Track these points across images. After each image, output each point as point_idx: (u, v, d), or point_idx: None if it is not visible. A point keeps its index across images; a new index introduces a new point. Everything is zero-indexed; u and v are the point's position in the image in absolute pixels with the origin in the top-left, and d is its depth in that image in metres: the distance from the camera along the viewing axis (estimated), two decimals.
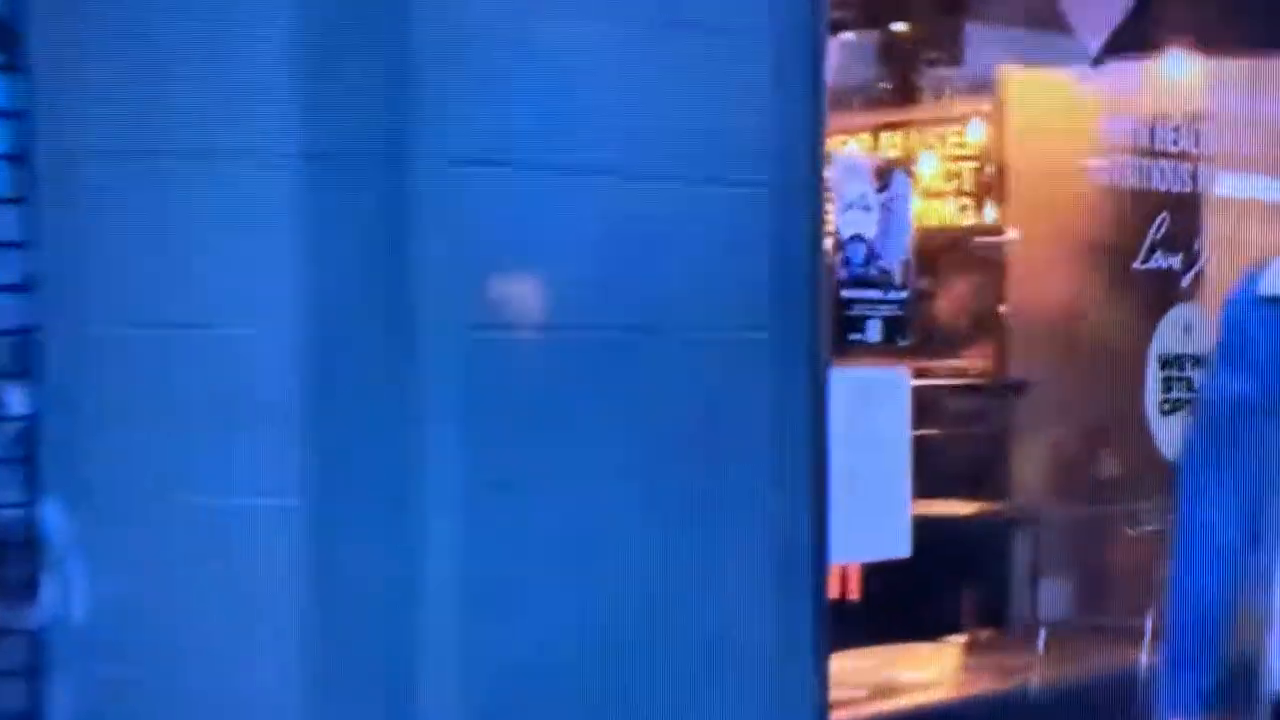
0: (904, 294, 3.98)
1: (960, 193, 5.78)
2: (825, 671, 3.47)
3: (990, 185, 5.60)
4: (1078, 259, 5.09)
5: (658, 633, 3.23)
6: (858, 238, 3.90)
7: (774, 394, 3.33)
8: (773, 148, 3.37)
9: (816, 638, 3.44)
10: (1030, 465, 5.36)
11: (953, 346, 5.61)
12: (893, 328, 3.96)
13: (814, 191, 3.42)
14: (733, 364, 3.36)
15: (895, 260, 3.91)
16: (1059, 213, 5.16)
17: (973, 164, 5.79)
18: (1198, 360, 4.41)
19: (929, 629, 4.74)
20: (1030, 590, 5.27)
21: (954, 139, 5.84)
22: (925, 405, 4.99)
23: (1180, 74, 4.86)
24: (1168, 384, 4.34)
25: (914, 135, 5.93)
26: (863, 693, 4.02)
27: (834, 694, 3.65)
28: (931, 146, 6.04)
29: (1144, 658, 4.29)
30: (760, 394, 3.36)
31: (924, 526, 4.20)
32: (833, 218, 3.83)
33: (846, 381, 3.55)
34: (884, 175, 3.95)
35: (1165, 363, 4.34)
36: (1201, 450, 2.47)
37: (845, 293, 3.88)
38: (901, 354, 4.00)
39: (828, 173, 3.59)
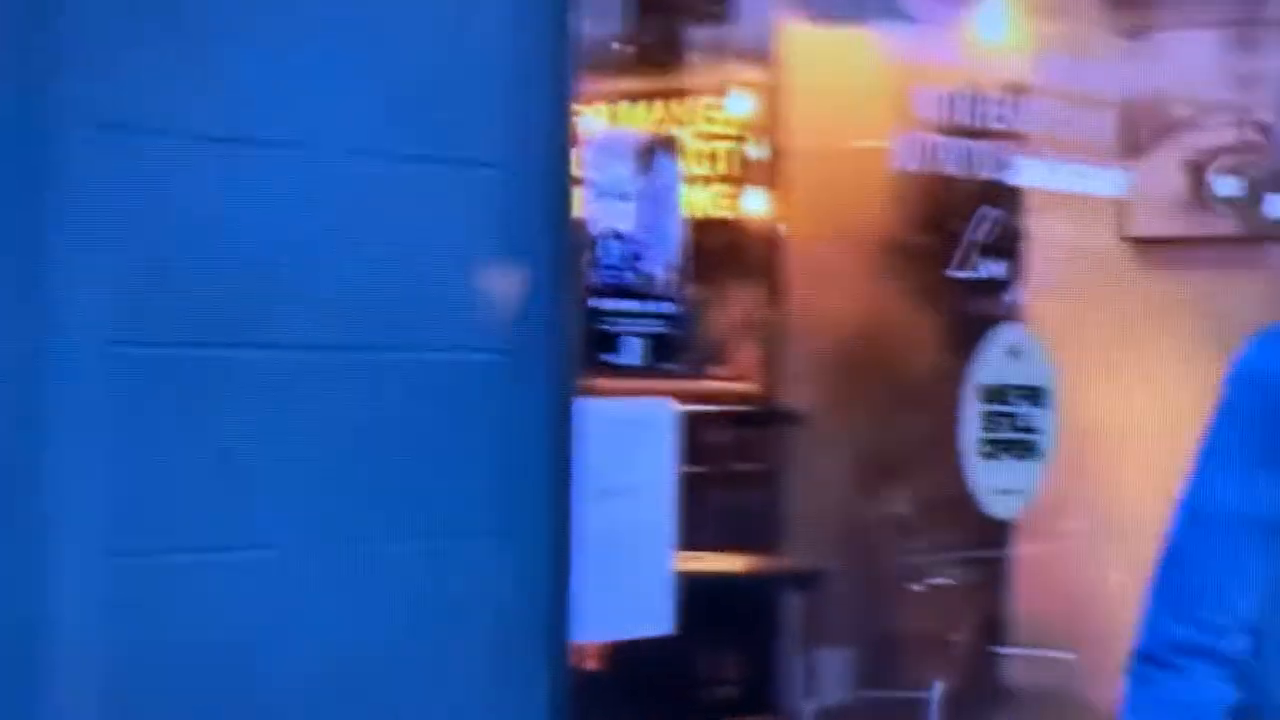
0: (670, 306, 3.62)
1: (721, 178, 5.37)
2: None
3: (762, 170, 5.20)
4: (874, 262, 4.75)
5: None
6: (613, 234, 3.54)
7: (505, 431, 3.02)
8: (506, 120, 3.08)
9: None
10: (808, 513, 5.07)
11: (712, 366, 5.27)
12: (656, 347, 3.60)
13: (558, 175, 3.07)
14: (448, 393, 3.05)
15: (660, 263, 3.58)
16: (850, 204, 4.80)
17: (735, 143, 5.34)
18: (1031, 394, 4.09)
19: (688, 711, 4.46)
20: (806, 662, 5.00)
21: (714, 112, 5.39)
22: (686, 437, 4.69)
23: (1001, 36, 4.49)
24: (990, 421, 4.03)
25: (674, 107, 5.47)
26: None
27: None
28: (688, 121, 5.49)
29: None
30: (487, 431, 3.06)
31: (682, 586, 3.92)
32: (583, 209, 3.46)
33: (597, 415, 3.22)
34: (647, 156, 3.60)
35: (988, 395, 4.01)
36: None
37: (597, 303, 3.52)
38: (666, 378, 3.65)
39: (577, 152, 3.25)
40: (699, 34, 5.34)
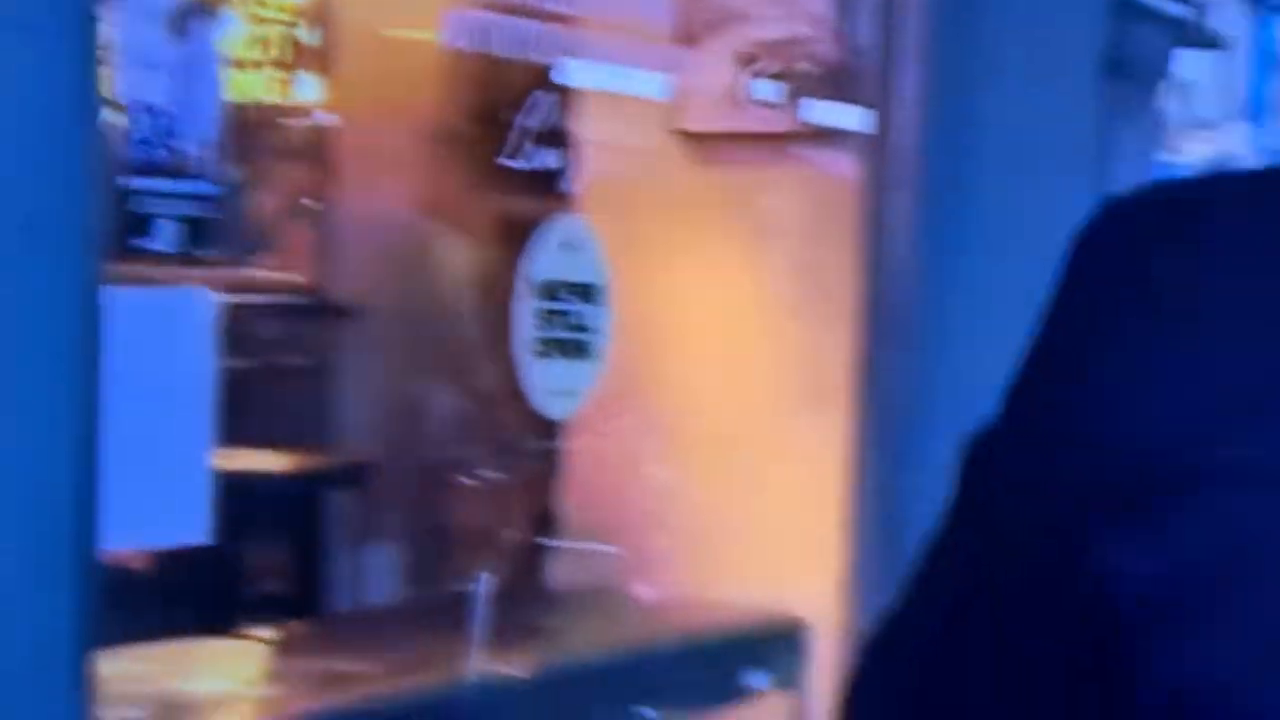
0: (206, 186, 3.18)
1: (272, 63, 5.00)
2: (92, 690, 2.78)
3: (314, 55, 4.84)
4: (427, 150, 4.42)
5: None
6: (145, 106, 3.09)
7: (22, 323, 2.60)
8: None
9: (79, 647, 2.75)
10: (357, 408, 4.73)
11: (259, 256, 4.87)
12: (192, 231, 3.17)
13: (80, 35, 2.64)
14: None
15: (195, 140, 3.15)
16: (403, 92, 4.49)
17: (286, 28, 4.96)
18: (585, 291, 3.77)
19: (231, 614, 4.07)
20: (353, 560, 4.65)
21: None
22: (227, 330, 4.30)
23: None
24: (544, 319, 3.70)
25: None
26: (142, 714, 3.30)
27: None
28: (239, 3, 5.09)
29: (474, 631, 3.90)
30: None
31: (225, 486, 3.54)
32: (114, 75, 3.00)
33: (126, 305, 2.78)
34: (181, 22, 3.15)
35: (541, 291, 3.68)
36: None
37: (126, 181, 3.07)
38: (205, 265, 3.22)
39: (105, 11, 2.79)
40: None
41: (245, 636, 3.98)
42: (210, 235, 3.17)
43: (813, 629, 4.50)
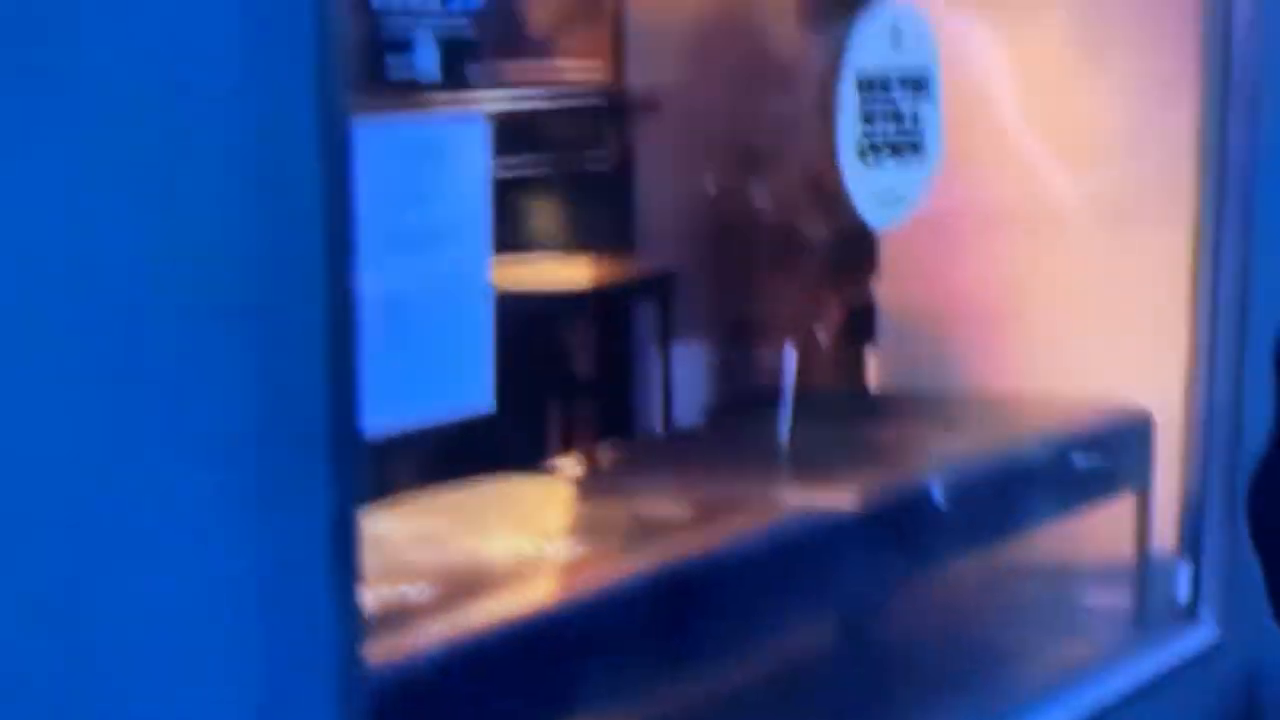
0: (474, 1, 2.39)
1: None
2: (351, 595, 2.05)
3: None
4: None
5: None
6: None
7: (250, 174, 1.80)
8: None
9: (337, 555, 2.03)
10: (659, 211, 4.04)
11: (552, 50, 4.24)
12: (455, 51, 2.37)
13: None
14: (173, 130, 1.81)
15: None
16: None
17: None
18: (915, 84, 3.29)
19: (539, 444, 3.38)
20: (663, 367, 3.98)
21: None
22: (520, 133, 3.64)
23: None
24: (869, 117, 2.91)
25: None
26: (427, 591, 2.57)
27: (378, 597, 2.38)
28: None
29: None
30: (223, 175, 1.85)
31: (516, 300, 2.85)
32: None
33: (385, 143, 2.06)
34: None
35: (866, 85, 2.89)
36: None
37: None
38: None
39: None
40: None
41: (549, 470, 3.24)
42: (474, 53, 2.37)
43: (1158, 424, 3.88)
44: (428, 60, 2.27)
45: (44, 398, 1.69)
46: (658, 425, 4.08)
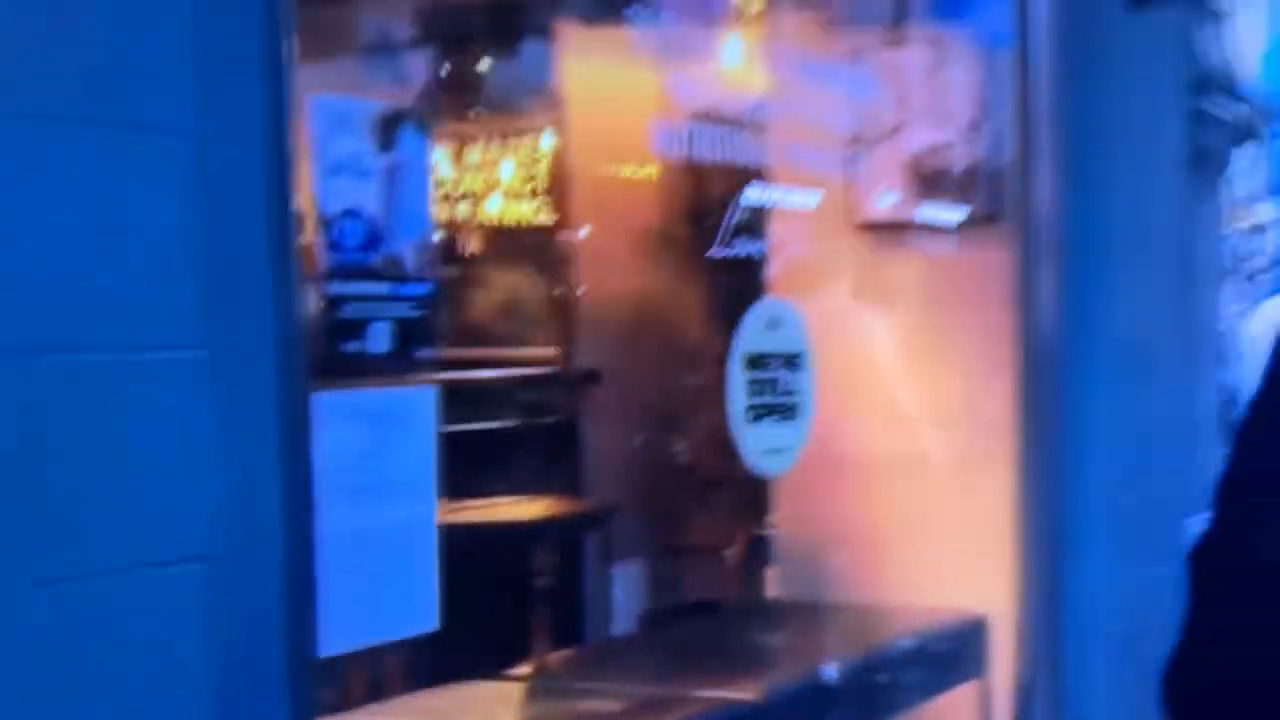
0: (423, 288, 2.20)
1: (531, 193, 4.27)
2: None
3: (558, 183, 4.09)
4: (651, 250, 3.54)
5: None
6: (351, 213, 2.11)
7: (218, 439, 1.53)
8: (195, 74, 1.55)
9: None
10: (599, 458, 3.88)
11: (522, 338, 4.10)
12: (408, 332, 2.17)
13: (273, 144, 1.65)
14: (145, 400, 1.65)
15: (409, 243, 2.16)
16: (627, 207, 3.63)
17: (540, 166, 4.29)
18: (791, 361, 2.75)
19: (495, 658, 3.09)
20: (604, 584, 3.73)
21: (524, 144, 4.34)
22: (491, 398, 3.45)
23: (742, 57, 3.52)
24: (755, 387, 2.71)
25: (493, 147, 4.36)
26: None
27: None
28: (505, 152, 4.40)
29: None
30: (194, 440, 1.53)
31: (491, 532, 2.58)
32: (310, 184, 2.02)
33: (341, 410, 1.82)
34: (389, 129, 2.15)
35: (751, 363, 2.69)
36: None
37: (336, 288, 2.07)
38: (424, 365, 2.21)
39: (302, 121, 1.83)
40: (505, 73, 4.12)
41: (506, 677, 2.94)
42: (428, 335, 2.17)
43: (992, 625, 3.65)
44: (381, 340, 2.09)
45: None
46: (603, 632, 3.83)
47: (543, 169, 4.46)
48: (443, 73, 4.59)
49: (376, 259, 2.09)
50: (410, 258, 2.11)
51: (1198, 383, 4.58)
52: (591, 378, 3.96)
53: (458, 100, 4.81)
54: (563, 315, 4.12)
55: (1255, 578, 1.04)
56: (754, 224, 3.31)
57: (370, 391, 2.07)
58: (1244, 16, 5.99)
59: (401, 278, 2.09)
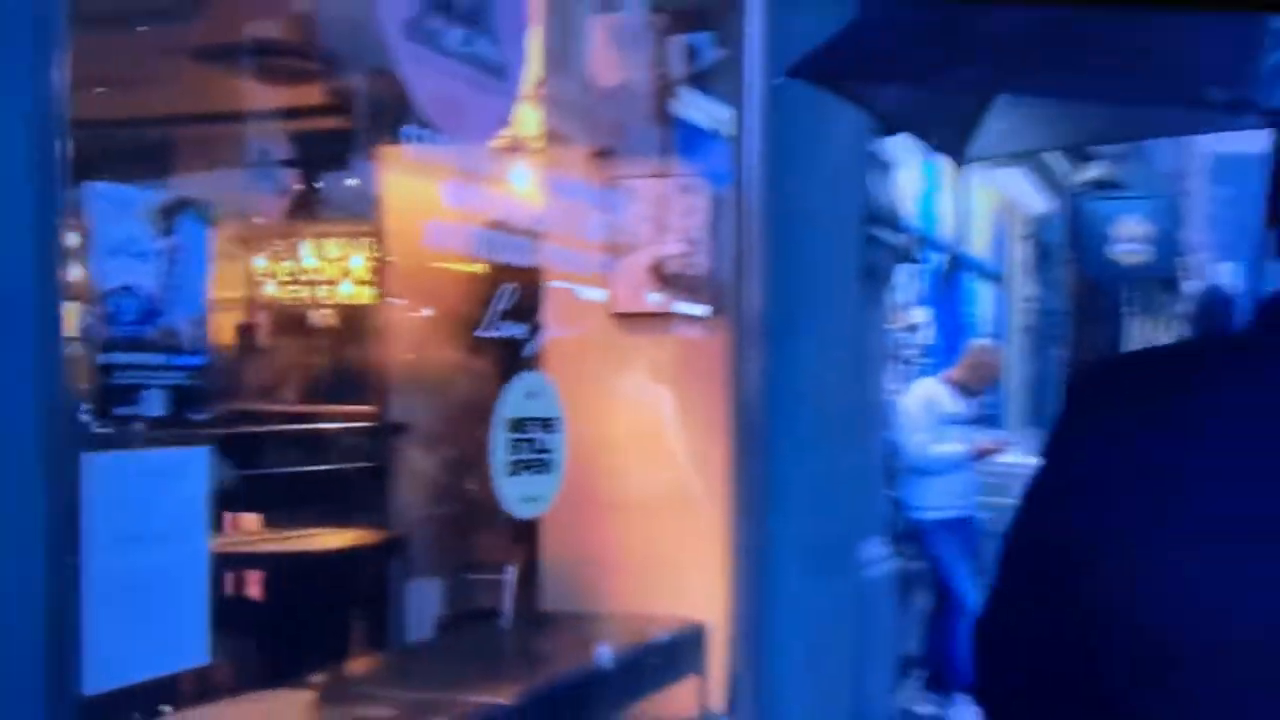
0: (198, 359, 1.87)
1: (356, 281, 3.88)
2: None
3: (379, 273, 3.76)
4: (450, 325, 3.27)
5: None
6: (127, 290, 1.78)
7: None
8: None
9: None
10: (410, 496, 3.52)
11: (350, 396, 3.76)
12: (182, 398, 1.84)
13: (42, 231, 1.27)
14: None
15: (184, 319, 1.81)
16: (427, 291, 3.32)
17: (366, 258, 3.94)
18: (545, 423, 2.49)
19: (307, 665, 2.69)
20: (404, 598, 3.36)
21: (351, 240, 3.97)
22: (321, 445, 3.09)
23: (525, 178, 3.10)
24: (515, 445, 2.42)
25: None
26: None
27: None
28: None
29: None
30: None
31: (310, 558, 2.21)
32: (86, 265, 1.69)
33: (112, 469, 1.46)
34: (170, 216, 1.82)
35: (511, 426, 2.39)
36: None
37: (110, 357, 1.73)
38: (206, 425, 1.87)
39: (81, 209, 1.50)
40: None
41: (302, 685, 2.55)
42: (201, 401, 1.82)
43: (710, 630, 3.41)
44: (154, 405, 1.75)
45: None
46: (403, 639, 3.48)
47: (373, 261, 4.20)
48: (305, 185, 4.28)
49: (152, 332, 1.76)
50: (186, 331, 1.78)
51: (868, 439, 4.50)
52: (401, 429, 3.65)
53: (314, 208, 4.49)
54: (381, 378, 3.82)
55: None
56: (520, 310, 3.05)
57: (143, 453, 1.72)
58: (906, 169, 6.05)
59: (176, 349, 1.76)
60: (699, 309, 3.59)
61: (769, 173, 3.62)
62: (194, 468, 1.77)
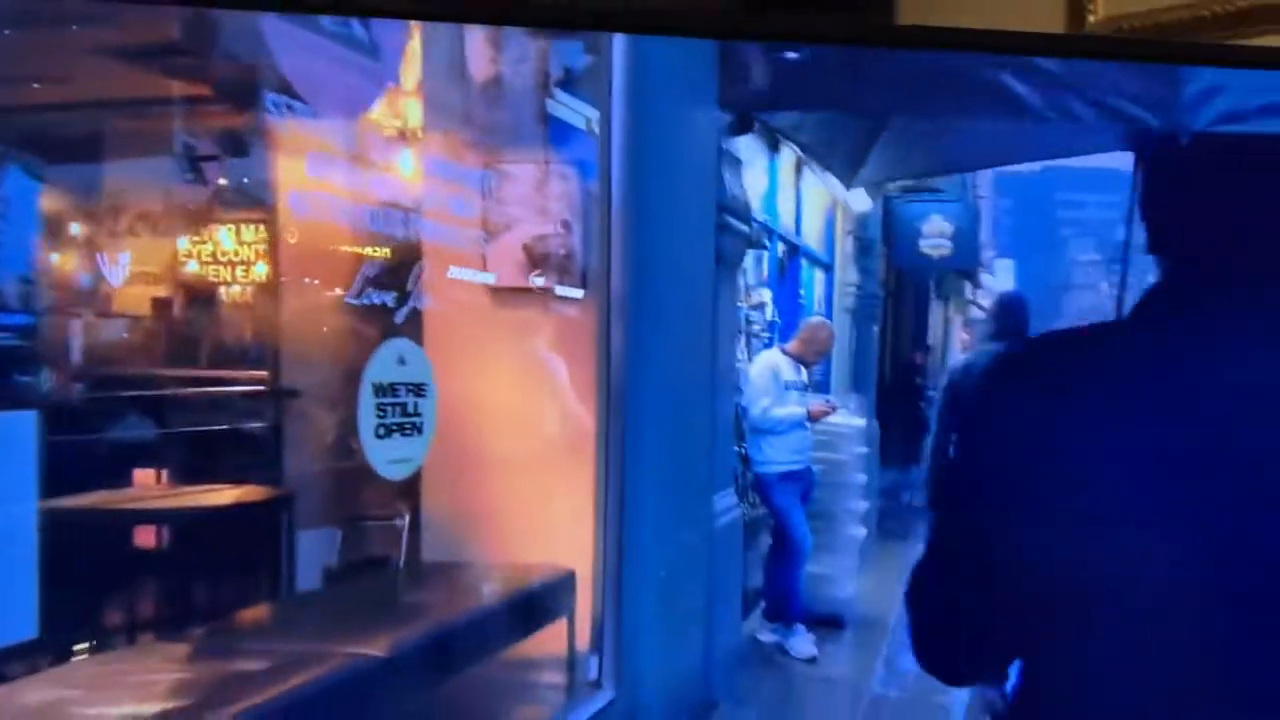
0: (25, 319, 1.56)
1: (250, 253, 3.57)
2: None
3: (276, 249, 3.42)
4: (327, 299, 2.92)
5: None
6: None
7: None
8: None
9: None
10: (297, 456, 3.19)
11: (252, 363, 3.40)
12: (8, 361, 1.54)
13: None
14: None
15: (10, 278, 1.50)
16: (325, 265, 2.99)
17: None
18: (417, 389, 2.18)
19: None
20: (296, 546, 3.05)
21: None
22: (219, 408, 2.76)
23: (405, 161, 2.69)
24: (381, 410, 2.13)
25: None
26: None
27: None
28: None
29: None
30: None
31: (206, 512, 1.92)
32: None
33: None
34: None
35: (380, 390, 2.11)
36: None
37: None
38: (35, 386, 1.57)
39: None
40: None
41: (181, 639, 2.25)
42: (32, 364, 1.52)
43: (579, 576, 3.23)
44: None
45: None
46: (294, 588, 3.18)
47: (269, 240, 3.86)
48: (220, 174, 3.89)
49: None
50: (12, 289, 1.48)
51: (720, 404, 4.37)
52: (292, 393, 3.34)
53: (228, 194, 4.10)
54: (275, 347, 3.49)
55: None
56: (388, 279, 2.76)
57: None
58: (751, 169, 5.94)
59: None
60: (570, 289, 3.40)
61: (632, 167, 3.42)
62: (19, 432, 1.46)
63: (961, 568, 0.94)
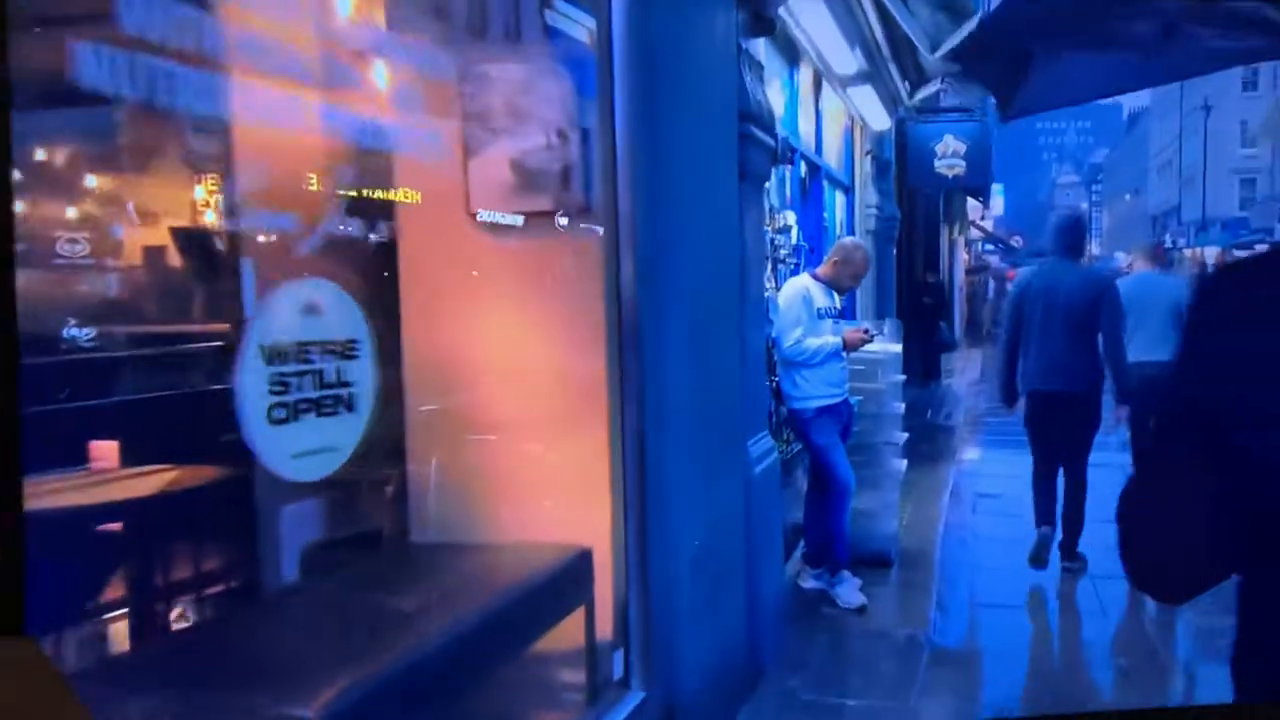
0: None
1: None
2: None
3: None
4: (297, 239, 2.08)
5: None
6: None
7: None
8: None
9: None
10: None
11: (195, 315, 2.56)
12: None
13: None
14: None
15: None
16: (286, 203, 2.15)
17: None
18: (343, 350, 1.28)
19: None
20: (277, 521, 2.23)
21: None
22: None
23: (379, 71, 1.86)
24: (281, 381, 1.24)
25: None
26: None
27: None
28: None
29: None
30: None
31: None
32: None
33: None
34: None
35: (278, 355, 1.22)
36: None
37: None
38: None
39: None
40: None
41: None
42: None
43: (593, 556, 2.40)
44: None
45: None
46: (275, 562, 2.46)
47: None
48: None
49: None
50: None
51: (749, 336, 3.58)
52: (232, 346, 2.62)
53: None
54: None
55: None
56: (366, 211, 1.96)
57: None
58: (769, 83, 5.04)
59: None
60: (565, 209, 2.60)
61: (637, 76, 2.57)
62: None
63: (1185, 482, 0.88)
